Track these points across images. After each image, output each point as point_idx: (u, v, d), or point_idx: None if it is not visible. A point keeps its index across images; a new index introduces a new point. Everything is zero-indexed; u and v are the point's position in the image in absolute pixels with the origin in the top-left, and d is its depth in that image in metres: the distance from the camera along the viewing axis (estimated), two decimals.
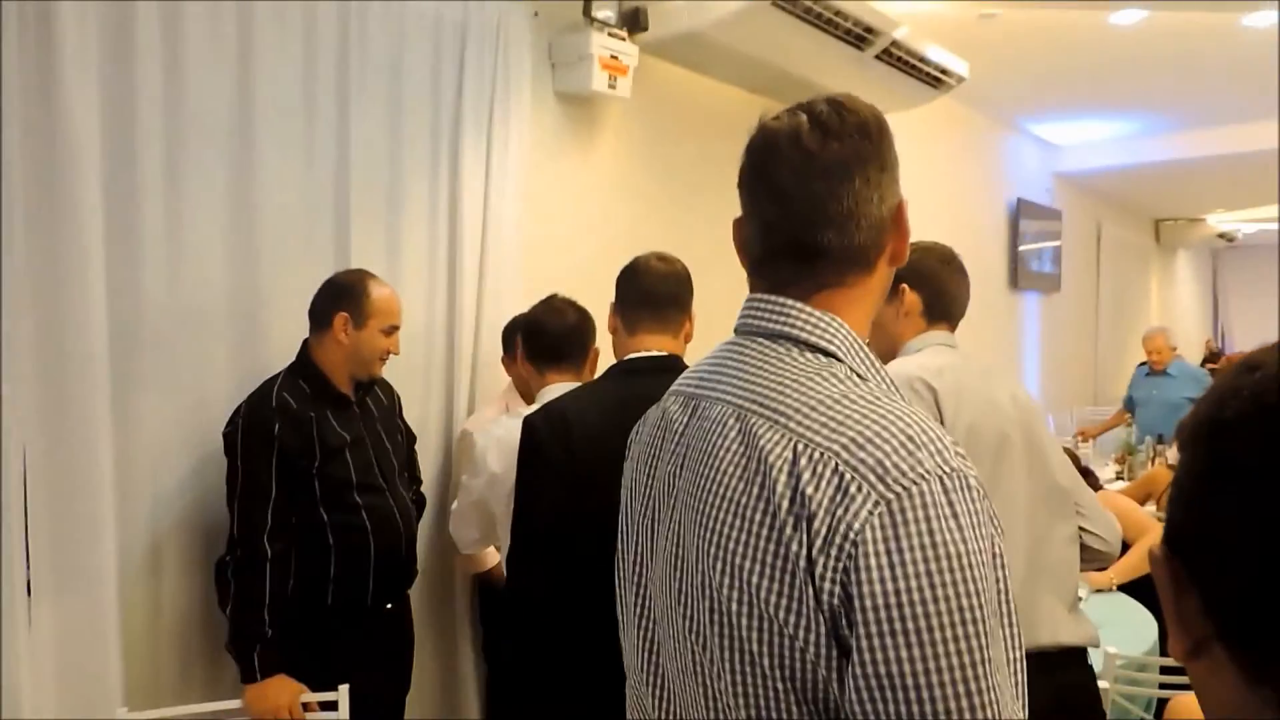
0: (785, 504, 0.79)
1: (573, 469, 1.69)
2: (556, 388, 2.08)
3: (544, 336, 2.15)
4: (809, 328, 0.91)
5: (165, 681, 2.19)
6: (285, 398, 2.14)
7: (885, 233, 0.93)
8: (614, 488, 1.65)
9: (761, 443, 0.83)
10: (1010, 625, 0.79)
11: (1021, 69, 5.33)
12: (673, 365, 1.81)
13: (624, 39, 3.15)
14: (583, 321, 2.18)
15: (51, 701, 1.97)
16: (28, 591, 1.95)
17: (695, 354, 1.38)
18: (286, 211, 2.39)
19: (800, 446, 0.80)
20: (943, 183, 5.82)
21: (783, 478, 0.80)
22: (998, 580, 0.78)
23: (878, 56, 3.60)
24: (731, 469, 0.84)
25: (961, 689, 0.72)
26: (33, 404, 1.95)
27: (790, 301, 0.92)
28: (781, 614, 0.78)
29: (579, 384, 2.13)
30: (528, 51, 2.99)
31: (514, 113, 2.92)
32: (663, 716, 0.93)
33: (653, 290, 1.82)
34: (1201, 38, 4.73)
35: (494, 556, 2.66)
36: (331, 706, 2.03)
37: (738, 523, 0.82)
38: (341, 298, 2.22)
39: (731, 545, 0.82)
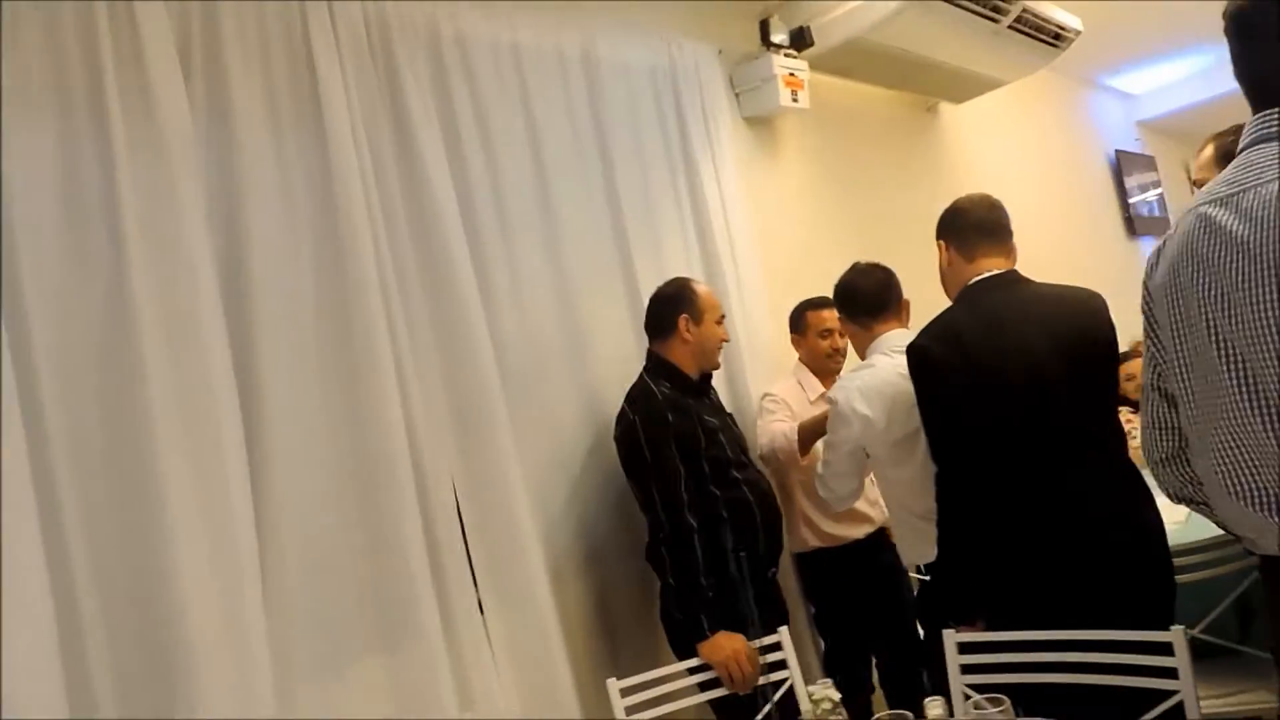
0: None
1: (972, 370, 1.94)
2: (892, 335, 2.33)
3: (861, 294, 2.39)
4: None
5: (624, 660, 2.45)
6: (665, 391, 2.40)
7: None
8: (1010, 376, 1.89)
9: None
10: None
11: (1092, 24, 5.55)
12: (1018, 279, 2.06)
13: (796, 56, 3.47)
14: (890, 276, 2.42)
15: (516, 697, 2.22)
16: (480, 610, 2.23)
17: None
18: (586, 255, 2.71)
19: None
20: (1048, 147, 6.08)
21: None
22: None
23: (1010, 26, 3.86)
24: None
25: None
26: (453, 445, 2.25)
27: None
28: None
29: (907, 329, 2.36)
30: (721, 85, 3.32)
31: (723, 141, 3.23)
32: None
33: (984, 219, 2.10)
34: None
35: (815, 538, 2.87)
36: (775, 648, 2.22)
37: None
38: (678, 303, 2.52)
39: None
